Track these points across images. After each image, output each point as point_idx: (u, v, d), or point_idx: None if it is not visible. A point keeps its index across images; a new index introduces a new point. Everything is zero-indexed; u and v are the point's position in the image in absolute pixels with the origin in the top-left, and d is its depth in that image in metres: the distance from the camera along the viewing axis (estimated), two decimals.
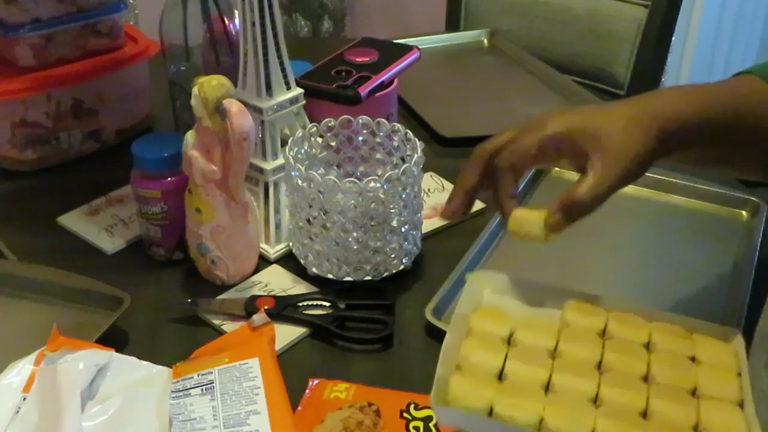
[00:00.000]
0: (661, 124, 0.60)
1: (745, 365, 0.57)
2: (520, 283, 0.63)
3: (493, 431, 0.52)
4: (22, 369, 0.64)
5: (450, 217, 0.66)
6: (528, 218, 0.60)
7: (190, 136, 0.75)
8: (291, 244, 0.82)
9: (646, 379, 0.55)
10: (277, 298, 0.76)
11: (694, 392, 0.54)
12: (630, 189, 0.93)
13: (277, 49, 0.80)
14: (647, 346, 0.58)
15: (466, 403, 0.51)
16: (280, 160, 0.82)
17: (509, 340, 0.58)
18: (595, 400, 0.52)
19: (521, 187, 0.91)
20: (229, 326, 0.74)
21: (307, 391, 0.66)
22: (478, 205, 0.91)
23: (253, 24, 0.77)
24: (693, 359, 0.57)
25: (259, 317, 0.71)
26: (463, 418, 0.52)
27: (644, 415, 0.52)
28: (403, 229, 0.77)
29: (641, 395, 0.53)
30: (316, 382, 0.67)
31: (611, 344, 0.57)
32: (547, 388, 0.53)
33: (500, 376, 0.54)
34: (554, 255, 0.77)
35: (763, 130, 0.67)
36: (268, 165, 0.83)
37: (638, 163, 0.59)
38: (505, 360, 0.55)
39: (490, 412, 0.51)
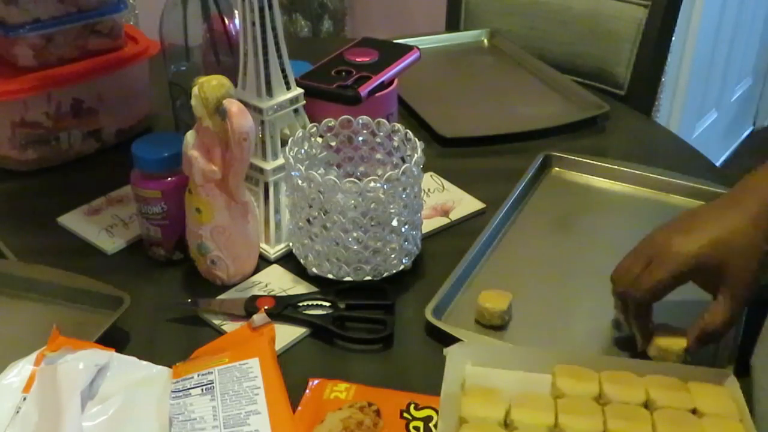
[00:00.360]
0: None
1: (746, 410, 0.57)
2: (499, 351, 0.64)
3: None
4: (22, 369, 0.64)
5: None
6: (669, 350, 0.65)
7: (190, 136, 0.75)
8: (291, 244, 0.82)
9: None
10: (277, 298, 0.76)
11: None
12: (630, 189, 0.94)
13: (277, 49, 0.80)
14: (646, 404, 0.58)
15: None
16: (280, 160, 0.82)
17: (506, 422, 0.57)
18: None
19: (521, 187, 0.92)
20: (229, 326, 0.74)
21: (307, 391, 0.66)
22: (478, 205, 0.91)
23: (253, 24, 0.77)
24: (694, 411, 0.57)
25: (259, 317, 0.71)
26: None
27: None
28: (403, 229, 0.77)
29: None
30: (316, 382, 0.67)
31: (611, 410, 0.57)
32: None
33: None
34: (554, 255, 0.77)
35: None
36: (268, 165, 0.83)
37: (758, 277, 0.63)
38: None
39: None
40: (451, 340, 0.71)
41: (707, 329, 0.64)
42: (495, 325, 0.73)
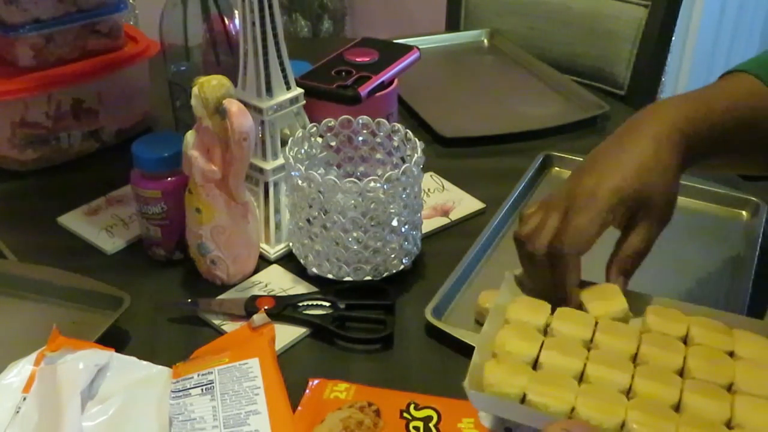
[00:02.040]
0: (680, 146, 0.62)
1: None
2: None
3: (525, 418, 0.52)
4: (22, 369, 0.64)
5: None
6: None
7: (190, 136, 0.75)
8: (291, 244, 0.82)
9: (681, 372, 0.55)
10: (277, 298, 0.76)
11: (729, 388, 0.54)
12: None
13: (277, 49, 0.80)
14: (685, 340, 0.58)
15: (500, 389, 0.52)
16: (280, 160, 0.82)
17: (545, 330, 0.58)
18: (629, 392, 0.52)
19: (521, 187, 0.92)
20: (229, 326, 0.74)
21: (307, 391, 0.66)
22: (478, 205, 0.91)
23: (253, 24, 0.77)
24: (731, 354, 0.56)
25: (259, 317, 0.71)
26: (497, 405, 0.53)
27: (677, 408, 0.51)
28: (403, 229, 0.77)
29: (675, 388, 0.52)
30: (316, 382, 0.67)
31: (648, 337, 0.57)
32: (581, 378, 0.53)
33: (535, 365, 0.54)
34: None
35: (762, 134, 0.67)
36: (268, 165, 0.83)
37: (674, 201, 0.62)
38: (540, 349, 0.55)
39: (523, 399, 0.51)
40: (451, 340, 0.71)
41: (627, 257, 0.61)
42: None
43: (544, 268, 0.61)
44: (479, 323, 0.74)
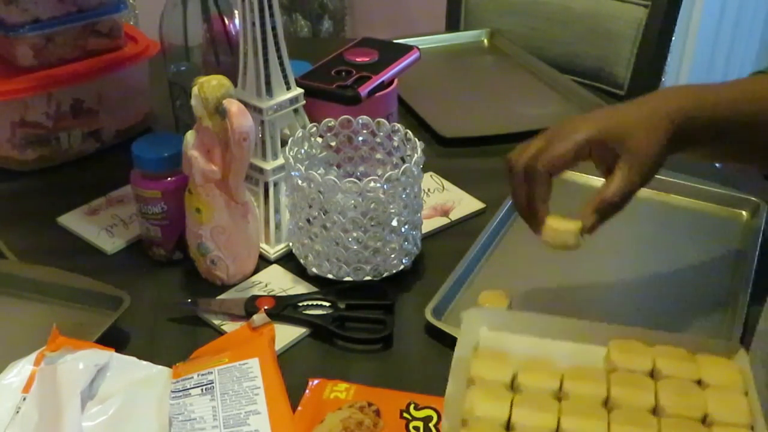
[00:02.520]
0: (675, 123, 0.65)
1: (752, 382, 0.57)
2: (516, 317, 0.64)
3: None
4: (22, 369, 0.64)
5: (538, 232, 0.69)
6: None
7: (190, 136, 0.75)
8: (291, 244, 0.82)
9: (655, 411, 0.55)
10: (277, 298, 0.76)
11: (704, 419, 0.54)
12: None
13: (277, 49, 0.80)
14: (652, 373, 0.58)
15: None
16: (280, 160, 0.82)
17: (513, 385, 0.57)
18: None
19: None
20: (229, 326, 0.74)
21: (307, 391, 0.66)
22: (478, 205, 0.91)
23: (253, 24, 0.77)
24: (699, 382, 0.57)
25: (259, 317, 0.71)
26: None
27: None
28: (403, 229, 0.77)
29: (652, 430, 0.53)
30: (316, 382, 0.67)
31: (616, 378, 0.57)
32: None
33: (507, 425, 0.54)
34: (554, 255, 0.76)
35: None
36: (268, 165, 0.83)
37: (657, 163, 0.65)
38: (510, 408, 0.54)
39: None
40: (451, 340, 0.71)
41: (605, 199, 0.65)
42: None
43: (521, 183, 0.67)
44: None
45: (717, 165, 0.97)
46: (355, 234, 0.75)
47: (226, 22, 0.90)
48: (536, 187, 0.66)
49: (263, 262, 0.83)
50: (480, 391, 0.56)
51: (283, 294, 0.78)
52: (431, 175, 0.96)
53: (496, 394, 0.56)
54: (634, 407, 0.55)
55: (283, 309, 0.75)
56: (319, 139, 0.83)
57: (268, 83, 0.80)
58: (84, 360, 0.63)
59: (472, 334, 0.61)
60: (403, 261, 0.79)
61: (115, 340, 0.70)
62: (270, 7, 0.77)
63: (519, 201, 0.69)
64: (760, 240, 0.83)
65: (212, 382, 0.64)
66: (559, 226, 0.65)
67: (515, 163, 0.67)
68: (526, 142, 0.68)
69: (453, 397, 0.56)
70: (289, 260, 0.82)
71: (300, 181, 0.75)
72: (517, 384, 0.57)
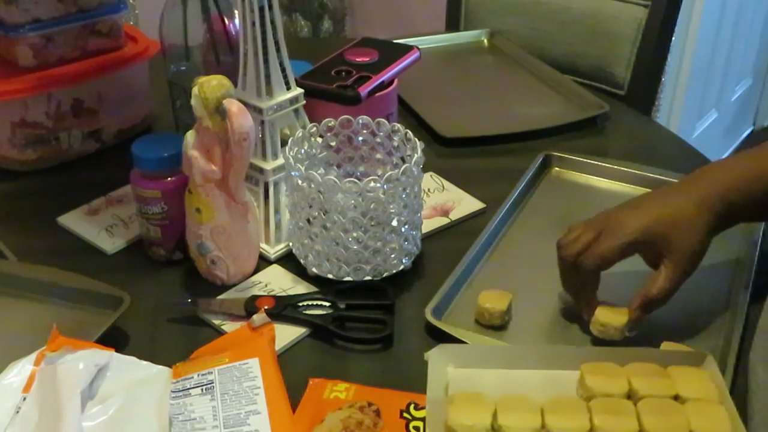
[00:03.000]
0: (718, 213, 0.69)
1: (725, 391, 0.58)
2: (481, 351, 0.65)
3: None
4: (22, 369, 0.64)
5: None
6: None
7: (190, 136, 0.75)
8: (291, 244, 0.82)
9: None
10: (277, 298, 0.76)
11: None
12: (630, 189, 0.94)
13: (277, 49, 0.80)
14: (629, 395, 0.58)
15: None
16: (280, 160, 0.82)
17: (493, 427, 0.57)
18: None
19: (521, 187, 0.92)
20: (229, 326, 0.74)
21: (307, 391, 0.66)
22: (478, 205, 0.91)
23: (253, 24, 0.77)
24: (677, 397, 0.58)
25: (259, 317, 0.71)
26: None
27: None
28: (403, 229, 0.77)
29: None
30: (316, 382, 0.67)
31: (596, 405, 0.57)
32: None
33: None
34: (554, 255, 0.76)
35: None
36: (268, 165, 0.83)
37: (701, 254, 0.69)
38: None
39: None
40: (451, 340, 0.71)
41: (649, 295, 0.69)
42: (495, 325, 0.73)
43: (572, 274, 0.71)
44: (479, 323, 0.74)
45: None
46: (355, 234, 0.75)
47: (226, 22, 0.90)
48: (586, 280, 0.71)
49: (263, 262, 0.83)
50: None
51: (283, 294, 0.78)
52: (431, 175, 0.96)
53: None
54: None
55: (283, 309, 0.75)
56: (319, 139, 0.83)
57: (268, 83, 0.80)
58: (84, 360, 0.63)
59: (441, 374, 0.61)
60: (403, 261, 0.79)
61: (115, 340, 0.70)
62: (270, 7, 0.77)
63: (570, 288, 0.73)
64: (760, 240, 0.83)
65: (212, 382, 0.64)
66: (606, 320, 0.69)
67: (566, 254, 0.71)
68: (576, 227, 0.72)
69: None
70: (289, 260, 0.82)
71: (300, 181, 0.75)
72: (499, 427, 0.57)
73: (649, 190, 0.93)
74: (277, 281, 0.80)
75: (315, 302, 0.76)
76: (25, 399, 0.62)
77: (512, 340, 0.72)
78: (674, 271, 0.69)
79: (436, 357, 0.62)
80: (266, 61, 0.79)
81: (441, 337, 0.72)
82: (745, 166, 0.72)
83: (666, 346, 0.67)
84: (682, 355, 0.62)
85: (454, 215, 0.90)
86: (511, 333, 0.73)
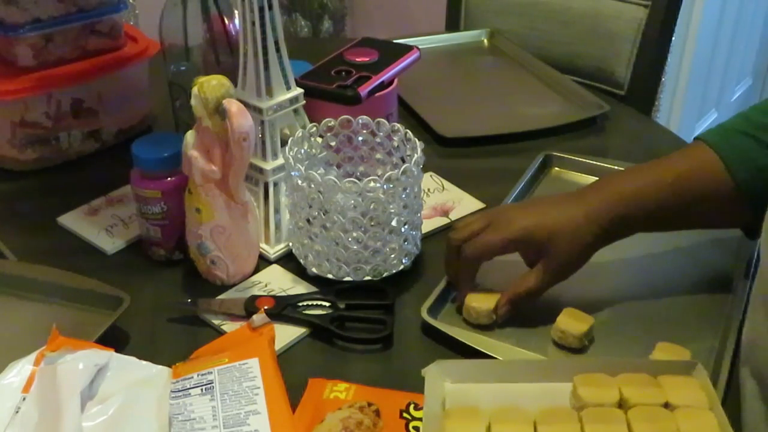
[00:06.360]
0: (602, 226, 0.71)
1: (715, 398, 0.58)
2: (477, 365, 0.65)
3: None
4: (21, 369, 0.64)
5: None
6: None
7: (190, 136, 0.75)
8: (291, 244, 0.82)
9: None
10: (277, 298, 0.76)
11: None
12: None
13: (277, 49, 0.80)
14: (620, 404, 0.59)
15: None
16: (280, 160, 0.82)
17: None
18: None
19: (522, 186, 0.92)
20: (229, 326, 0.74)
21: (307, 391, 0.66)
22: (478, 205, 0.91)
23: (253, 24, 0.77)
24: (667, 405, 0.58)
25: (259, 317, 0.71)
26: None
27: None
28: (402, 230, 0.77)
29: None
30: (316, 382, 0.67)
31: (588, 415, 0.58)
32: None
33: None
34: None
35: (711, 202, 0.72)
36: (268, 165, 0.83)
37: (577, 263, 0.72)
38: None
39: None
40: (450, 340, 0.71)
41: (517, 291, 0.72)
42: (482, 324, 0.73)
43: (454, 258, 0.74)
44: (467, 322, 0.74)
45: None
46: (355, 234, 0.75)
47: (226, 22, 0.90)
48: (466, 266, 0.73)
49: (263, 262, 0.83)
50: None
51: (283, 294, 0.78)
52: (431, 175, 0.96)
53: None
54: None
55: (283, 309, 0.75)
56: (319, 139, 0.83)
57: (268, 83, 0.80)
58: (84, 360, 0.63)
59: (438, 389, 0.62)
60: (403, 261, 0.79)
61: (115, 340, 0.70)
62: (270, 7, 0.77)
63: (449, 271, 0.76)
64: (758, 247, 0.83)
65: (212, 382, 0.64)
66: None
67: (453, 237, 0.74)
68: (470, 217, 0.75)
69: None
70: (289, 260, 0.82)
71: (300, 181, 0.75)
72: None
73: None
74: (277, 281, 0.80)
75: (315, 302, 0.76)
76: (24, 399, 0.62)
77: (499, 339, 0.72)
78: (545, 274, 0.71)
79: (434, 373, 0.62)
80: (266, 61, 0.79)
81: (438, 338, 0.72)
82: (641, 178, 0.73)
83: (661, 346, 0.67)
84: (672, 364, 0.63)
85: (454, 215, 0.90)
86: (497, 332, 0.73)
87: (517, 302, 0.72)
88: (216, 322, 0.74)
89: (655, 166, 0.74)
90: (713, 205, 0.73)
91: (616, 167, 0.95)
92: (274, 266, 0.82)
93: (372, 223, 0.75)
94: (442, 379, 0.63)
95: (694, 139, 0.76)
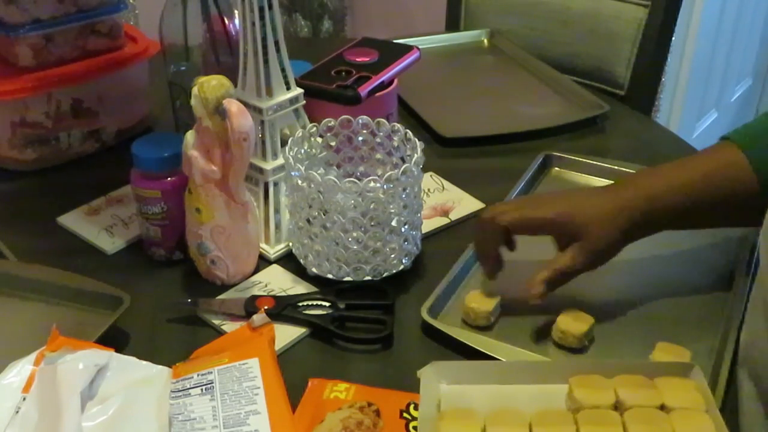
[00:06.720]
0: (632, 220, 0.71)
1: (712, 400, 0.58)
2: (473, 367, 0.65)
3: None
4: (21, 369, 0.64)
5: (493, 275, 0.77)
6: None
7: (190, 136, 0.75)
8: (291, 244, 0.82)
9: None
10: (277, 298, 0.76)
11: None
12: None
13: (277, 49, 0.80)
14: (616, 406, 0.59)
15: None
16: (280, 160, 0.82)
17: None
18: None
19: (522, 186, 0.92)
20: (229, 326, 0.74)
21: (307, 391, 0.66)
22: (477, 205, 0.92)
23: (253, 24, 0.77)
24: (663, 407, 0.58)
25: (259, 317, 0.71)
26: None
27: None
28: (403, 229, 0.77)
29: None
30: (316, 382, 0.67)
31: (583, 417, 0.58)
32: None
33: None
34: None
35: (736, 201, 0.72)
36: (268, 165, 0.83)
37: (609, 252, 0.72)
38: None
39: None
40: (450, 340, 0.71)
41: (555, 267, 0.71)
42: (480, 326, 0.73)
43: (486, 230, 0.74)
44: (466, 323, 0.74)
45: None
46: (355, 234, 0.75)
47: (226, 22, 0.90)
48: (494, 235, 0.74)
49: (263, 262, 0.83)
50: None
51: (283, 294, 0.78)
52: (431, 175, 0.96)
53: None
54: None
55: (283, 309, 0.75)
56: (319, 139, 0.83)
57: (268, 83, 0.80)
58: (84, 360, 0.63)
59: (433, 391, 0.62)
60: (403, 261, 0.79)
61: (115, 340, 0.70)
62: (270, 7, 0.77)
63: (478, 241, 0.77)
64: (757, 250, 0.83)
65: (212, 382, 0.64)
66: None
67: (487, 213, 0.75)
68: (506, 201, 0.76)
69: None
70: (289, 260, 0.82)
71: (300, 181, 0.75)
72: None
73: None
74: (277, 281, 0.80)
75: (315, 302, 0.76)
76: (24, 399, 0.62)
77: (498, 340, 0.72)
78: (579, 255, 0.71)
79: (429, 374, 0.62)
80: (266, 61, 0.79)
81: (438, 338, 0.72)
82: (671, 175, 0.73)
83: (661, 346, 0.67)
84: (668, 366, 0.63)
85: (454, 215, 0.90)
86: (496, 333, 0.73)
87: (554, 280, 0.71)
88: (216, 322, 0.74)
89: (683, 165, 0.74)
90: (738, 205, 0.72)
91: (615, 167, 0.95)
92: (274, 266, 0.82)
93: (372, 223, 0.75)
94: (438, 381, 0.63)
95: (721, 138, 0.76)
